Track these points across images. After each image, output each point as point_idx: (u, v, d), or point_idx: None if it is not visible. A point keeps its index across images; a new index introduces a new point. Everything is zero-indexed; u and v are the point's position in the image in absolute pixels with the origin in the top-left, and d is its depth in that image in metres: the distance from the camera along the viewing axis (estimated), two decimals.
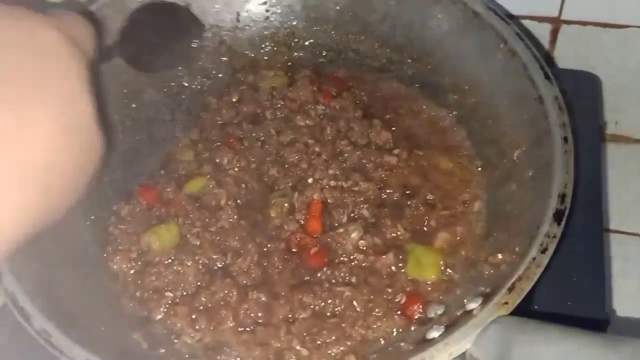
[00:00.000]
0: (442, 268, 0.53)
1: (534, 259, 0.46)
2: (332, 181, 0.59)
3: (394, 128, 0.65)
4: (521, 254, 0.47)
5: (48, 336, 0.44)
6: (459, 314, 0.47)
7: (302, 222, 0.57)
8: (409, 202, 0.58)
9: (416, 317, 0.50)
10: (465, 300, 0.48)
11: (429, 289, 0.52)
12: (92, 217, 0.60)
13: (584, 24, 0.75)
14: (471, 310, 0.45)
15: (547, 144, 0.53)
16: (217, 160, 0.64)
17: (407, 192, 0.59)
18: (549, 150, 0.53)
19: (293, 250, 0.56)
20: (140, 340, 0.51)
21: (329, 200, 0.58)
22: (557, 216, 0.48)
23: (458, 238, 0.55)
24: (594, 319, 0.55)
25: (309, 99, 0.67)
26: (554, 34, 0.76)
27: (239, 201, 0.60)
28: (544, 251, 0.46)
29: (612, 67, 0.77)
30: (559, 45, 0.78)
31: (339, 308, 0.51)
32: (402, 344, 0.48)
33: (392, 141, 0.63)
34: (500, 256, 0.50)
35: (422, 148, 0.62)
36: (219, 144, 0.66)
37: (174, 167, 0.65)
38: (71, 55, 0.33)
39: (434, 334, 0.45)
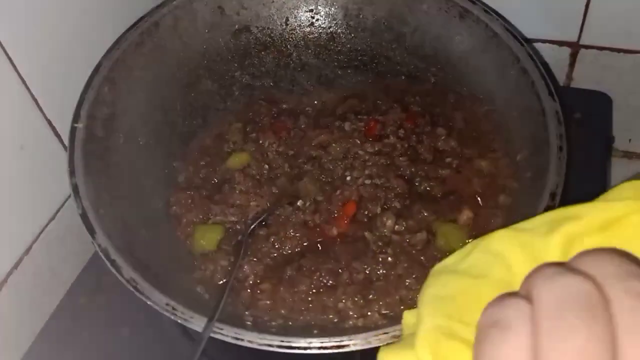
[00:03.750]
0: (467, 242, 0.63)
1: None
2: (368, 180, 0.70)
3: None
4: None
5: (135, 284, 0.56)
6: None
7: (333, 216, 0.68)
8: (448, 197, 0.68)
9: None
10: None
11: None
12: (161, 188, 0.72)
13: (601, 49, 0.82)
14: None
15: (545, 151, 0.64)
16: (260, 142, 0.75)
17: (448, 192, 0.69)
18: (545, 158, 0.63)
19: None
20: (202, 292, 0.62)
21: (364, 195, 0.69)
22: (547, 211, 0.58)
23: (477, 219, 0.66)
24: None
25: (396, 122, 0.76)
26: (573, 57, 0.84)
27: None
28: None
29: (627, 89, 0.84)
30: (577, 68, 0.86)
31: (382, 272, 0.62)
32: None
33: (457, 146, 0.73)
34: None
35: (468, 147, 0.73)
36: (267, 130, 0.77)
37: (221, 145, 0.76)
38: None
39: None
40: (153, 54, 0.77)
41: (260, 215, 0.68)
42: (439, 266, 0.51)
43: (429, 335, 0.42)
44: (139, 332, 0.68)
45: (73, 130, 0.66)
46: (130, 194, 0.67)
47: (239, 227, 0.68)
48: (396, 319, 0.56)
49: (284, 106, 0.81)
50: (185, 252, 0.67)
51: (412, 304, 0.60)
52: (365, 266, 0.63)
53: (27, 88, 0.64)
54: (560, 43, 0.83)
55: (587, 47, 0.83)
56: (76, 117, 0.67)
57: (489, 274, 0.45)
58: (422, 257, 0.64)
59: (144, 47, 0.75)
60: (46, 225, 0.70)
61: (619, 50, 0.81)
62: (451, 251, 0.62)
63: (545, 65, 0.71)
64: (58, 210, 0.71)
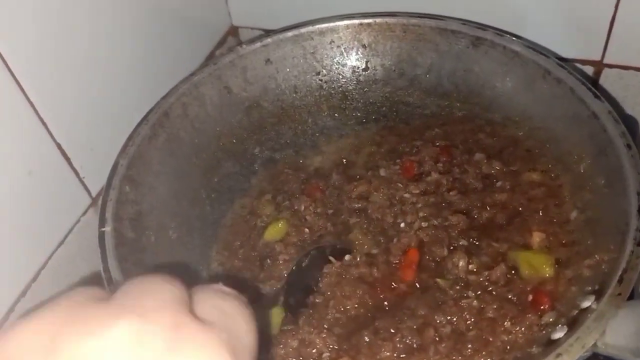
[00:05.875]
0: (555, 266, 0.57)
1: (632, 252, 0.50)
2: (424, 222, 0.64)
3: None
4: (618, 250, 0.51)
5: None
6: (575, 313, 0.50)
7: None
8: (513, 221, 0.63)
9: (546, 312, 0.53)
10: (577, 302, 0.52)
11: (549, 286, 0.56)
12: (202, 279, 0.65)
13: (625, 68, 0.79)
14: (587, 307, 0.49)
15: (612, 152, 0.59)
16: (295, 207, 0.70)
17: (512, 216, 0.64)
18: (616, 158, 0.58)
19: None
20: None
21: (424, 240, 0.63)
22: None
23: (551, 239, 0.60)
24: None
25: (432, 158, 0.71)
26: (597, 76, 0.81)
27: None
28: (639, 244, 0.51)
29: None
30: (601, 87, 0.82)
31: (471, 321, 0.55)
32: (530, 349, 0.51)
33: (503, 166, 0.68)
34: (597, 257, 0.54)
35: (514, 165, 0.68)
36: (299, 195, 0.72)
37: (254, 221, 0.71)
38: None
39: (559, 334, 0.49)
40: (168, 146, 0.72)
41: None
42: None
43: None
44: None
45: (102, 235, 0.60)
46: None
47: None
48: None
49: (311, 168, 0.76)
50: None
51: (519, 350, 0.52)
52: (450, 317, 0.56)
53: (36, 111, 0.60)
54: (584, 62, 0.81)
55: (610, 66, 0.80)
56: (102, 221, 0.61)
57: None
58: (509, 294, 0.57)
59: (157, 140, 0.71)
60: (54, 251, 0.66)
61: None
62: (540, 280, 0.57)
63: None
64: (66, 236, 0.67)
